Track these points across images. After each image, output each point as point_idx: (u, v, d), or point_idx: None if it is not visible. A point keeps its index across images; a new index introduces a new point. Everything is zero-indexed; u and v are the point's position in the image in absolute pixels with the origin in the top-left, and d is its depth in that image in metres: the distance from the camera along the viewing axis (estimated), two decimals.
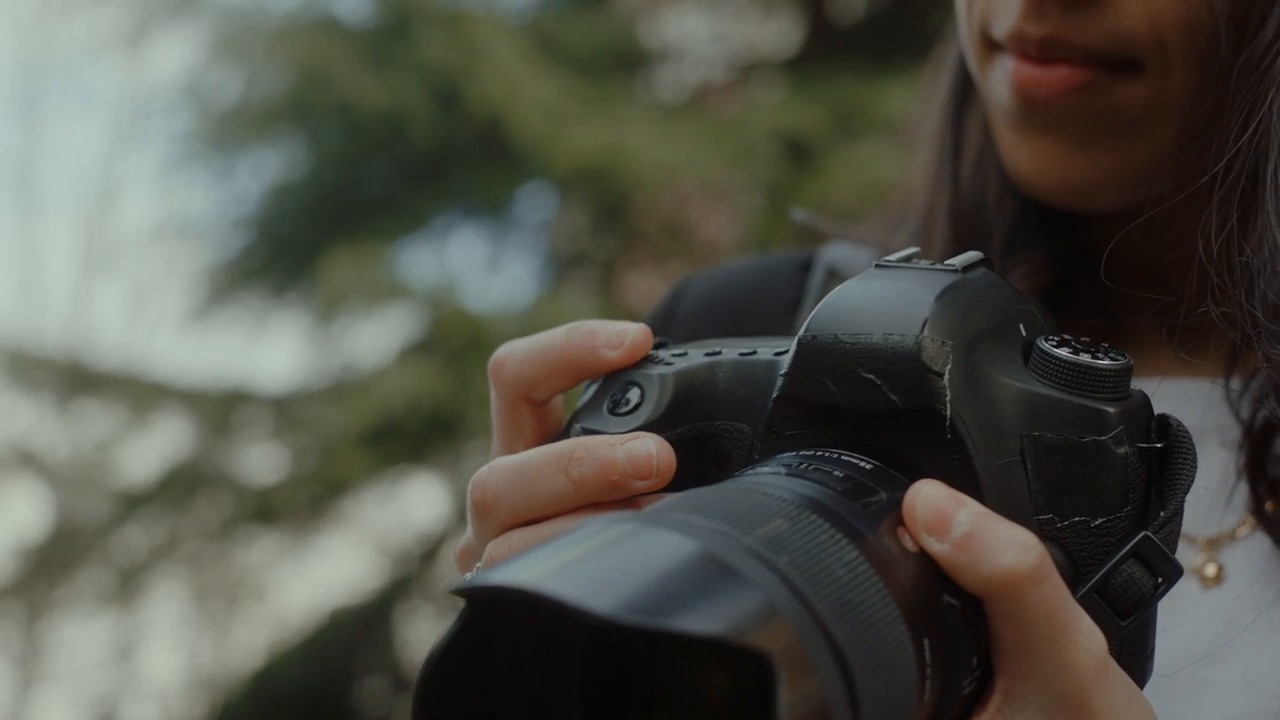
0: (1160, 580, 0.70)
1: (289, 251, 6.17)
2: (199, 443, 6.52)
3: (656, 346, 0.79)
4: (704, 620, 0.54)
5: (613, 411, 0.76)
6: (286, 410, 6.17)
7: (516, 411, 0.78)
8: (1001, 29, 0.88)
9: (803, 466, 0.68)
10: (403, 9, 5.82)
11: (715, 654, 0.61)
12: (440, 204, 6.09)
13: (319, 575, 6.78)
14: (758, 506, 0.63)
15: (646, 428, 0.75)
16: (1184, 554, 0.88)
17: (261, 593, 7.28)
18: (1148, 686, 0.82)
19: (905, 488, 0.67)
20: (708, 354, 0.76)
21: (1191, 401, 0.88)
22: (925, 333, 0.69)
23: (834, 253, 1.07)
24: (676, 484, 0.73)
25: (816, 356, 0.71)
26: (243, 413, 6.37)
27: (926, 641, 0.63)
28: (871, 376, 0.69)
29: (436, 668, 0.60)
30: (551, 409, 0.79)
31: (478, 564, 0.73)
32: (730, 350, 0.76)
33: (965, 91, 0.98)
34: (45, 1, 8.02)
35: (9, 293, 9.43)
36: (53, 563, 7.01)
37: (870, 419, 0.70)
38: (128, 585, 6.99)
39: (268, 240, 6.29)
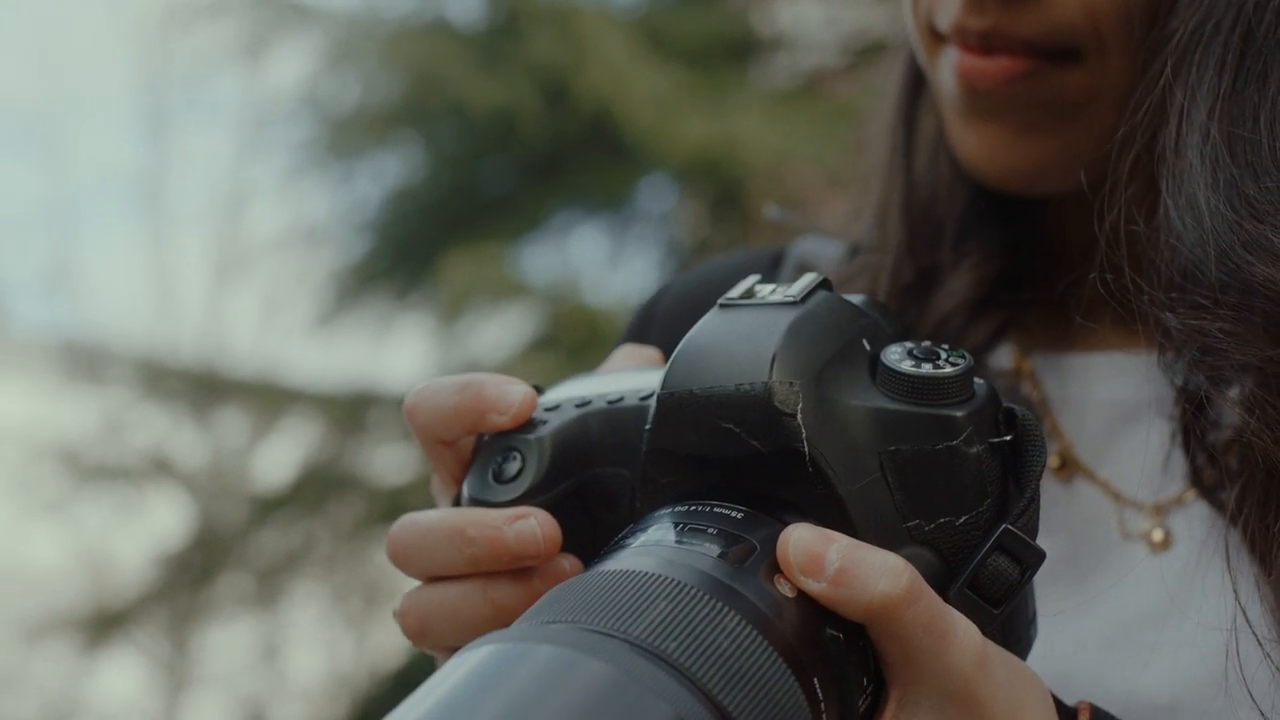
0: (1025, 567, 0.73)
1: (411, 254, 6.25)
2: (330, 445, 6.62)
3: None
4: None
5: (497, 479, 0.80)
6: None
7: (434, 451, 0.83)
8: (945, 22, 0.91)
9: (679, 525, 0.71)
10: (512, 8, 5.87)
11: None
12: (557, 201, 6.13)
13: None
14: (639, 592, 0.66)
15: (531, 492, 0.79)
16: (1132, 520, 0.92)
17: (397, 592, 7.34)
18: (1095, 648, 0.88)
19: (778, 528, 0.70)
20: (578, 405, 0.80)
21: (1132, 374, 0.91)
22: (774, 377, 0.72)
23: (804, 246, 1.10)
24: (568, 535, 0.77)
25: (676, 412, 0.73)
26: (372, 414, 6.46)
27: (817, 680, 0.67)
28: (730, 426, 0.72)
29: None
30: (468, 442, 0.84)
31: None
32: (599, 399, 0.80)
33: (917, 85, 1.02)
34: (167, 17, 8.17)
35: (144, 305, 9.62)
36: (193, 568, 7.15)
37: (736, 464, 0.73)
38: (267, 588, 7.11)
39: (390, 244, 6.37)
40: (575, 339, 5.45)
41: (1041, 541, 0.74)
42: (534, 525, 0.77)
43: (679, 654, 0.63)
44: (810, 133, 5.39)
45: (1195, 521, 0.89)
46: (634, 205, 6.35)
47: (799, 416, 0.71)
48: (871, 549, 0.69)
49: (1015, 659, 0.72)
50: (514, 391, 0.79)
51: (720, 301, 0.76)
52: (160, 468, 7.43)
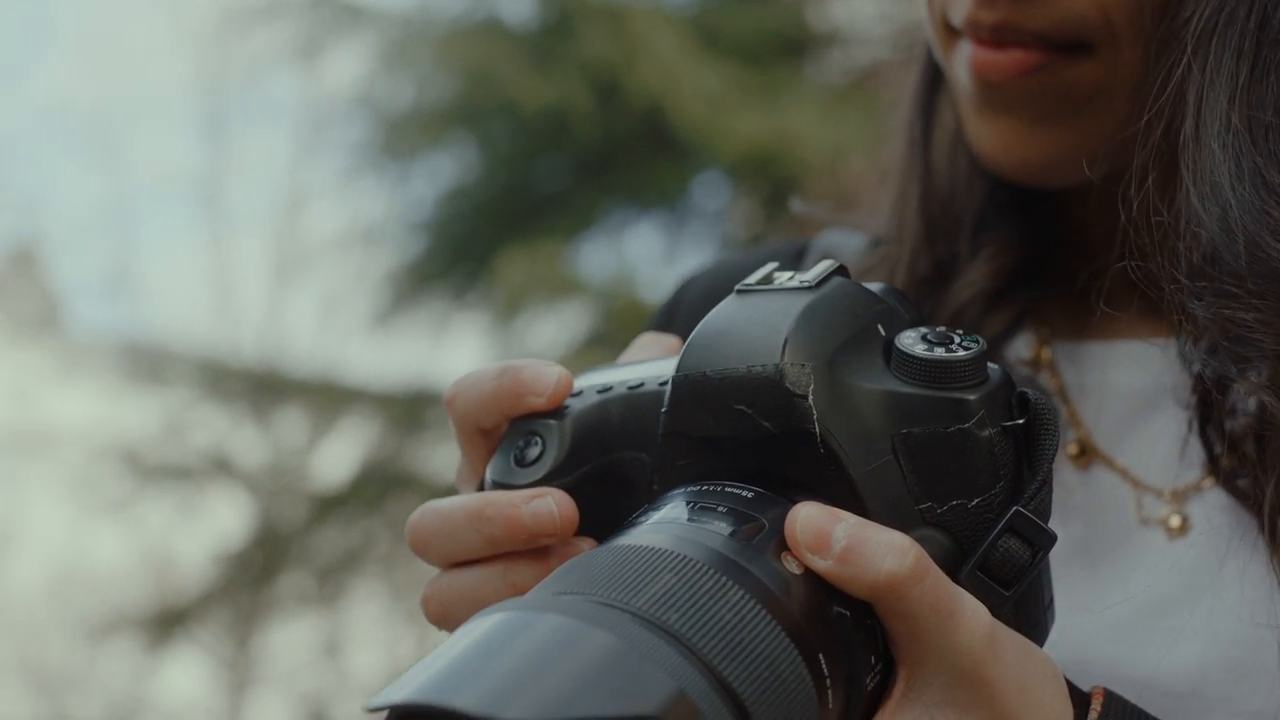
0: (1037, 549, 0.73)
1: (467, 253, 6.28)
2: (389, 444, 6.66)
3: None
4: (596, 703, 0.59)
5: (519, 463, 0.81)
6: None
7: (470, 440, 0.83)
8: (958, 16, 0.92)
9: (691, 504, 0.72)
10: (564, 7, 5.89)
11: None
12: (611, 199, 6.15)
13: None
14: (646, 566, 0.67)
15: (551, 475, 0.79)
16: (1150, 506, 0.92)
17: None
18: (1112, 633, 0.88)
19: (788, 508, 0.71)
20: (600, 391, 0.81)
21: (1150, 362, 0.91)
22: (785, 359, 0.72)
23: (827, 239, 1.10)
24: (588, 518, 0.78)
25: (690, 394, 0.74)
26: (430, 413, 6.49)
27: (822, 656, 0.68)
28: (743, 407, 0.73)
29: None
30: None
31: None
32: (620, 385, 0.80)
33: (934, 80, 1.02)
34: (224, 20, 8.24)
35: (204, 306, 9.72)
36: (254, 567, 7.21)
37: (750, 445, 0.73)
38: (327, 586, 7.17)
39: (446, 243, 6.41)
40: (630, 336, 5.43)
41: (1059, 528, 0.74)
42: (550, 504, 0.77)
43: (681, 625, 0.64)
44: (864, 128, 5.38)
45: (1213, 508, 0.90)
46: (688, 202, 6.36)
47: (810, 398, 0.72)
48: (878, 528, 0.70)
49: (1026, 641, 0.73)
50: (550, 373, 0.80)
51: (737, 288, 0.77)
52: (221, 467, 7.49)
